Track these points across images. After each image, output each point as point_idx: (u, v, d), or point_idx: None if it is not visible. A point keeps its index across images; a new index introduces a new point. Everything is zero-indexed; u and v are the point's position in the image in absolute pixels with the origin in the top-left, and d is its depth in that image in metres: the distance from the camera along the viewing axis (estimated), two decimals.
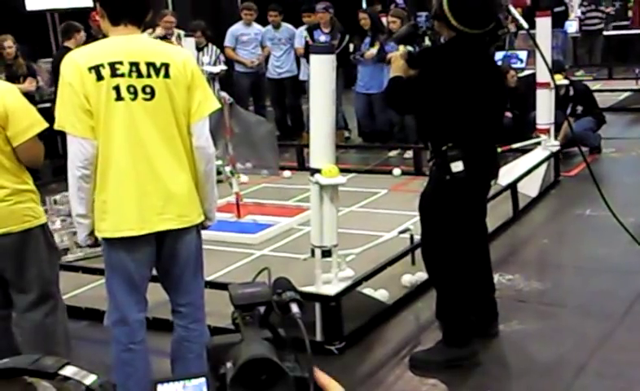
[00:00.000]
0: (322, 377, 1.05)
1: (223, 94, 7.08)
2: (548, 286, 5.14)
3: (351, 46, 9.77)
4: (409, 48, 4.13)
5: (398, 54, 4.14)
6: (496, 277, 4.88)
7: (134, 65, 3.14)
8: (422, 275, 5.00)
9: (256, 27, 10.65)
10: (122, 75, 3.12)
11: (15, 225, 3.51)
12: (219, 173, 7.81)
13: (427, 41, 4.21)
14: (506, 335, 4.41)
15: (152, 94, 3.16)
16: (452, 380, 4.01)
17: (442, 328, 4.20)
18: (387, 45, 9.25)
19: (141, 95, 3.15)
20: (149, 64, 3.15)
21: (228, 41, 10.51)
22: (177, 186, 3.25)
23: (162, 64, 3.17)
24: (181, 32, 9.19)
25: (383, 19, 9.94)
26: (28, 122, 3.46)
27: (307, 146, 4.92)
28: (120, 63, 3.12)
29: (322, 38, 9.84)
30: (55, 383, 0.87)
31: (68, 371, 0.89)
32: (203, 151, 3.30)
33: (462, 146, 3.88)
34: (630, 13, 16.15)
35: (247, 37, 10.53)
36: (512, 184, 6.66)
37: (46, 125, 3.51)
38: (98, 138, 3.15)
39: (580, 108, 8.65)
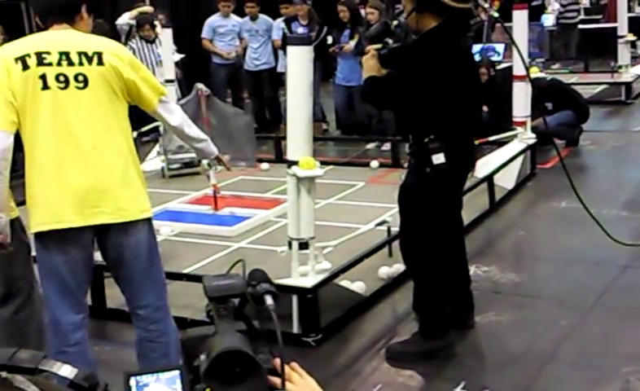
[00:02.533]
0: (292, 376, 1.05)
1: (200, 85, 7.04)
2: (524, 277, 5.18)
3: (329, 39, 9.76)
4: (379, 46, 4.12)
5: (369, 54, 4.12)
6: (472, 269, 4.91)
7: (64, 54, 3.09)
8: (399, 267, 5.02)
9: (234, 18, 10.60)
10: (49, 64, 3.08)
11: None
12: (196, 165, 7.82)
13: (391, 42, 4.19)
14: (481, 326, 4.44)
15: (85, 82, 3.11)
16: (428, 371, 4.03)
17: (418, 320, 4.22)
18: (365, 37, 9.24)
19: (73, 84, 3.10)
20: (80, 53, 3.11)
21: (205, 33, 10.45)
22: (113, 178, 3.17)
23: (94, 53, 3.13)
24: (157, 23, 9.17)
25: (362, 11, 9.93)
26: None
27: (285, 138, 4.91)
28: (48, 52, 3.08)
29: (300, 30, 9.82)
30: (34, 378, 0.84)
31: (48, 364, 0.85)
32: (169, 128, 3.50)
33: (443, 138, 3.90)
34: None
35: (224, 29, 10.48)
36: (489, 176, 6.69)
37: None
38: (24, 131, 3.09)
39: (550, 105, 8.66)
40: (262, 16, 10.65)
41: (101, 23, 8.30)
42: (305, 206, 4.32)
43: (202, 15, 10.95)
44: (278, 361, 1.04)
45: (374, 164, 8.37)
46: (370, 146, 9.40)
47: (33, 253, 3.51)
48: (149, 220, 3.30)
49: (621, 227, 5.71)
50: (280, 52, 10.14)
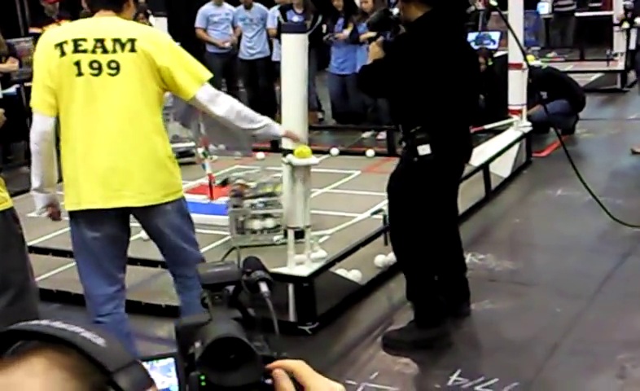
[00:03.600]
0: (283, 364, 1.03)
1: None
2: (519, 265, 5.19)
3: (324, 27, 9.74)
4: (373, 34, 4.12)
5: (375, 42, 4.11)
6: (468, 257, 4.91)
7: (99, 42, 3.18)
8: (395, 256, 5.02)
9: (227, 7, 10.56)
10: (84, 51, 3.17)
11: None
12: (192, 154, 7.80)
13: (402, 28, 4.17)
14: (477, 314, 4.45)
15: (118, 68, 3.19)
16: (424, 359, 4.04)
17: (414, 309, 4.22)
18: (359, 26, 9.24)
19: (106, 70, 3.19)
20: (115, 40, 3.20)
21: (199, 22, 10.41)
22: (136, 162, 3.25)
23: (128, 40, 3.20)
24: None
25: (356, 0, 9.91)
26: None
27: None
28: (84, 40, 3.18)
29: (295, 19, 9.79)
30: None
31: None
32: (213, 118, 3.42)
33: (430, 129, 3.87)
34: None
35: (218, 18, 10.44)
36: (484, 164, 6.69)
37: None
38: (60, 114, 3.21)
39: (544, 94, 8.64)
40: (256, 5, 10.62)
41: (89, 13, 8.28)
42: (301, 195, 4.32)
43: (195, 4, 10.90)
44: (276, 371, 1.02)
45: (370, 153, 8.36)
46: (366, 135, 9.40)
47: (34, 243, 3.51)
48: (177, 201, 3.38)
49: (618, 215, 5.71)
50: (275, 41, 10.12)
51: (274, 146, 8.41)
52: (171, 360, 0.98)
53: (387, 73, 3.94)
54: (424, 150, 3.85)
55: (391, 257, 5.07)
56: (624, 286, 4.73)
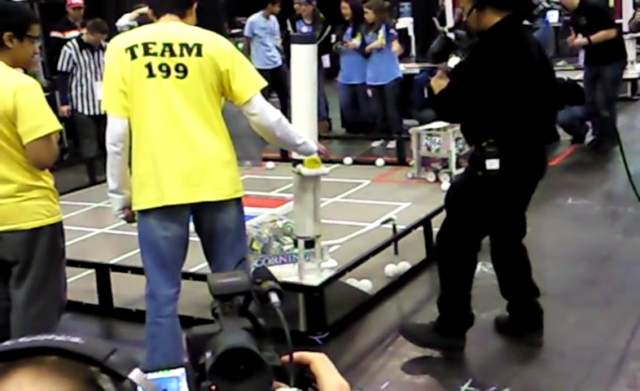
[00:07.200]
0: (303, 355, 1.05)
1: None
2: None
3: (333, 37, 9.76)
4: (453, 60, 3.97)
5: (438, 75, 3.97)
6: (478, 266, 4.89)
7: (168, 46, 3.30)
8: (405, 265, 5.03)
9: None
10: (154, 54, 3.29)
11: (25, 222, 3.40)
12: None
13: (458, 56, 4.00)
14: (488, 323, 4.43)
15: (185, 72, 3.31)
16: (435, 369, 4.02)
17: (439, 315, 4.10)
18: (367, 35, 9.26)
19: (174, 73, 3.31)
20: (182, 45, 3.31)
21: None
22: (213, 160, 3.38)
23: (195, 44, 3.32)
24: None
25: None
26: (37, 122, 3.32)
27: None
28: (154, 43, 3.30)
29: (304, 29, 9.82)
30: (119, 387, 0.79)
31: (139, 377, 0.80)
32: (259, 127, 3.47)
33: (503, 143, 3.71)
34: (611, 2, 16.21)
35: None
36: None
37: (58, 127, 3.43)
38: (132, 115, 3.31)
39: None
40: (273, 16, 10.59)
41: (100, 22, 8.35)
42: (311, 204, 4.32)
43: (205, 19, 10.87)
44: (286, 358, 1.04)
45: (380, 162, 8.37)
46: (376, 144, 9.40)
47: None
48: (240, 199, 3.54)
49: (631, 223, 5.70)
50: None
51: (284, 155, 8.44)
52: (182, 370, 0.99)
53: (468, 93, 3.74)
54: (492, 164, 3.68)
55: (401, 267, 5.07)
56: (635, 295, 4.71)
